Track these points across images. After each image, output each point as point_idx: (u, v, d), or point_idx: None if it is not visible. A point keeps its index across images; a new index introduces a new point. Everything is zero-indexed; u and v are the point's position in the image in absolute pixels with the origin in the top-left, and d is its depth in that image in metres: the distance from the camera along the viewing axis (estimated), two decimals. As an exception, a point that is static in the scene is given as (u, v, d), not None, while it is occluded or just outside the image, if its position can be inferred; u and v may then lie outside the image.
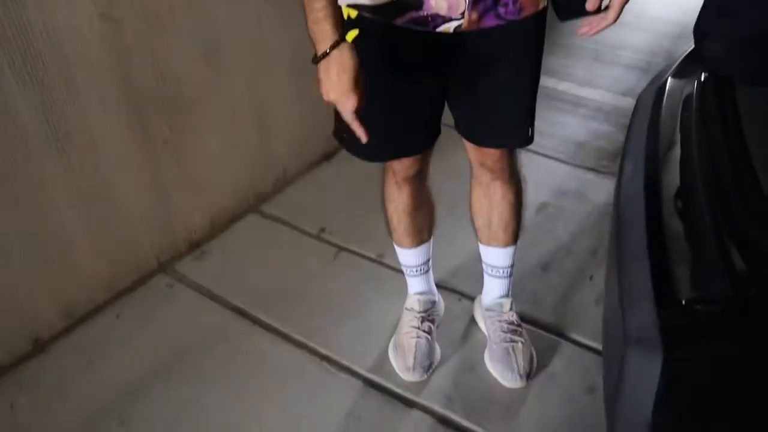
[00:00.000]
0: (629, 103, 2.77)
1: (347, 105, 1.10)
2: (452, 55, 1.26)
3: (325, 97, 1.11)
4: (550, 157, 2.47)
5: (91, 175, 1.73)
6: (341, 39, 1.08)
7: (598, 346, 1.68)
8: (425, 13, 1.16)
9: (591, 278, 1.92)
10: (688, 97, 1.19)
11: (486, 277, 1.69)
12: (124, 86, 1.72)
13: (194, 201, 2.05)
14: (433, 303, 1.72)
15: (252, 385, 1.63)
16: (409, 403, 1.58)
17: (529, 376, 1.60)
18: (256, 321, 1.81)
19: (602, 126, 2.67)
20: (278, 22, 2.07)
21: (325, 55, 1.08)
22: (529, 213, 2.16)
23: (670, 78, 1.33)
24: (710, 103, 1.11)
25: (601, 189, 2.28)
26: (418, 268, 1.67)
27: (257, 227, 2.17)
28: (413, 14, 1.16)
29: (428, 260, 1.69)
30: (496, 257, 1.63)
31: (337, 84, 1.09)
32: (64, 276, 1.76)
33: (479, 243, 1.65)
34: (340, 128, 1.27)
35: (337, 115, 1.20)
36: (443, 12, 1.15)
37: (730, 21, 1.08)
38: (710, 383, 0.71)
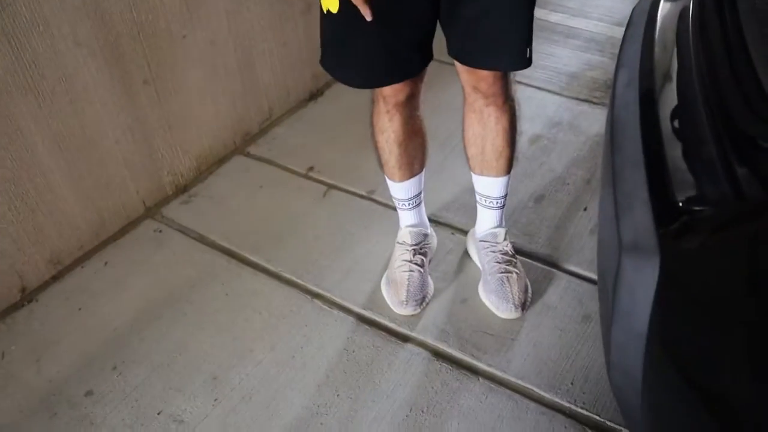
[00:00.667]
0: (622, 32, 2.71)
1: None
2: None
3: None
4: (542, 89, 2.40)
5: (68, 116, 1.67)
6: None
7: (594, 276, 1.66)
8: None
9: (585, 209, 1.88)
10: (686, 5, 1.13)
11: (479, 208, 1.65)
12: (97, 19, 1.65)
13: (179, 144, 1.99)
14: (425, 236, 1.68)
15: (244, 325, 1.61)
16: (403, 338, 1.56)
17: (524, 306, 1.58)
18: (246, 262, 1.78)
19: (595, 57, 2.60)
20: (255, -47, 1.99)
21: None
22: (522, 145, 2.12)
23: (665, -12, 1.27)
24: (708, 8, 1.05)
25: (595, 120, 2.23)
26: (410, 201, 1.63)
27: (244, 168, 2.12)
28: None
29: (420, 193, 1.65)
30: (489, 187, 1.59)
31: None
32: (49, 223, 1.72)
33: (472, 173, 1.60)
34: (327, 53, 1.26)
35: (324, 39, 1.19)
36: None
37: None
38: (708, 286, 0.68)
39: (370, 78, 1.36)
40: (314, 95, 2.40)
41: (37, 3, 1.52)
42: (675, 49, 1.00)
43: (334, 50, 1.31)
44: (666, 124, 0.85)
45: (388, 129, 1.48)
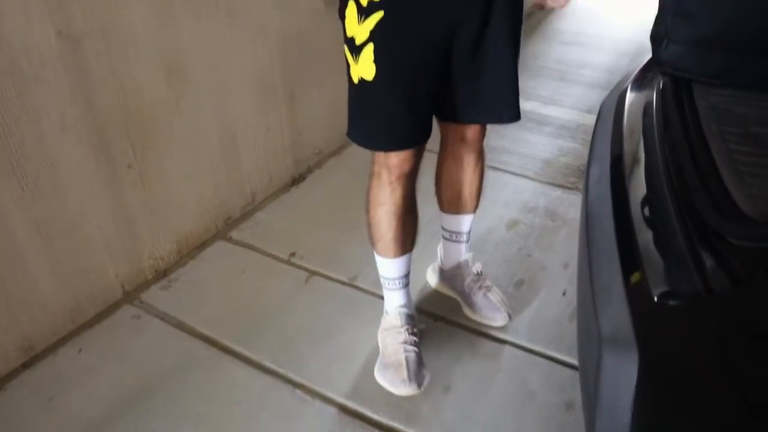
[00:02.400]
0: (592, 119, 2.82)
1: None
2: (466, 13, 1.35)
3: None
4: (518, 175, 2.48)
5: (51, 201, 1.68)
6: None
7: (575, 362, 1.67)
8: None
9: (564, 294, 1.91)
10: (649, 102, 1.20)
11: (448, 245, 1.81)
12: (85, 106, 1.68)
13: (161, 227, 2.00)
14: (413, 318, 1.69)
15: (224, 417, 1.57)
16: (387, 429, 1.53)
17: (509, 313, 1.78)
18: (226, 350, 1.75)
19: (567, 143, 2.70)
20: (241, 43, 2.07)
21: None
22: (499, 230, 2.17)
23: (630, 84, 1.35)
24: (670, 105, 1.12)
25: (569, 205, 2.29)
26: (401, 280, 1.65)
27: (226, 253, 2.13)
28: None
29: (409, 273, 1.67)
30: (463, 224, 1.76)
31: None
32: (23, 308, 1.69)
33: (445, 213, 1.75)
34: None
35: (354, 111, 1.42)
36: None
37: (684, 24, 1.10)
38: (686, 376, 0.70)
39: (399, 141, 1.44)
40: (296, 180, 2.44)
41: (26, 89, 1.56)
42: (642, 144, 1.06)
43: (366, 117, 1.42)
44: (638, 218, 0.88)
45: (389, 201, 1.51)
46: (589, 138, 1.35)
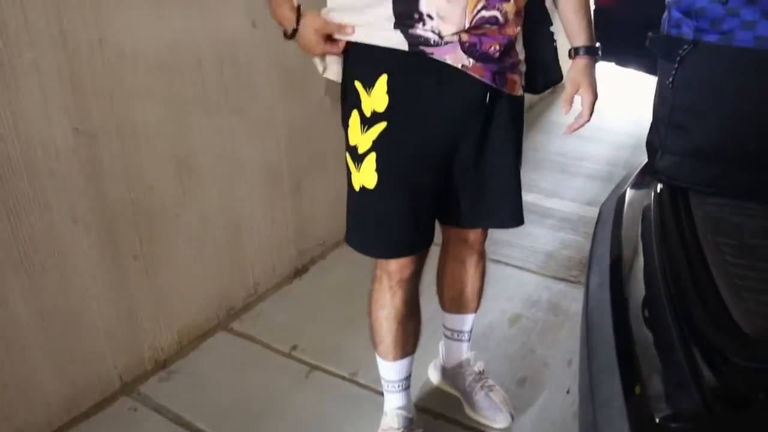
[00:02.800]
0: (593, 212, 2.85)
1: (317, 50, 1.30)
2: (468, 123, 1.36)
3: (307, 50, 1.32)
4: (520, 268, 2.49)
5: (56, 290, 1.69)
6: (300, 15, 1.28)
7: (579, 463, 1.62)
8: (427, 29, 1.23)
9: (568, 392, 1.88)
10: (647, 207, 1.23)
11: (449, 343, 1.80)
12: (96, 199, 1.72)
13: (163, 318, 2.00)
14: (412, 421, 1.66)
15: None
16: None
17: (512, 414, 1.75)
18: (222, 445, 1.72)
19: (569, 236, 2.72)
20: (250, 136, 2.13)
21: (295, 32, 1.29)
22: (502, 325, 2.16)
23: (628, 189, 1.38)
24: (667, 212, 1.15)
25: (573, 299, 2.29)
26: (400, 383, 1.63)
27: (227, 345, 2.11)
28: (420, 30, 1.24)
29: (410, 375, 1.65)
30: (464, 323, 1.76)
31: (303, 38, 1.30)
32: (20, 398, 1.67)
33: (447, 313, 1.75)
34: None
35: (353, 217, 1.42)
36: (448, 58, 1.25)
37: (677, 136, 1.14)
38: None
39: (399, 248, 1.43)
40: (299, 272, 2.46)
41: (41, 182, 1.60)
42: (641, 253, 1.08)
43: (366, 225, 1.42)
44: (637, 332, 0.89)
45: (389, 306, 1.50)
46: (590, 230, 1.38)
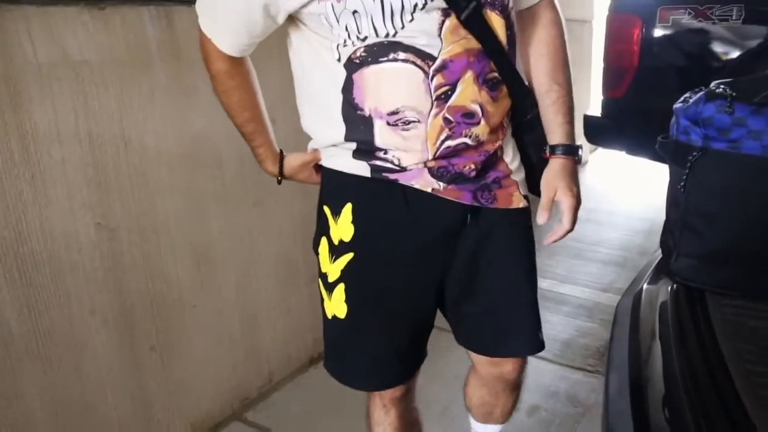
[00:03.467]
0: (609, 298, 2.86)
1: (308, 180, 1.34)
2: (449, 246, 1.25)
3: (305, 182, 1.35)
4: (537, 357, 2.45)
5: (72, 382, 1.68)
6: (282, 161, 1.32)
7: None
8: (388, 156, 1.15)
9: (590, 489, 1.82)
10: (663, 308, 1.23)
11: None
12: (115, 291, 1.75)
13: (177, 409, 1.98)
14: None
15: None
16: None
17: None
18: None
19: (585, 323, 2.70)
20: (267, 230, 2.17)
21: (282, 177, 1.33)
22: (520, 417, 2.11)
23: (644, 287, 1.38)
24: (684, 315, 1.15)
25: (591, 389, 2.24)
26: None
27: (239, 437, 2.08)
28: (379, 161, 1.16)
29: None
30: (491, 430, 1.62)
31: (294, 175, 1.34)
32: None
33: (474, 420, 1.62)
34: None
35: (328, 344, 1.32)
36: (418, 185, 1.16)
37: (691, 239, 1.15)
38: None
39: (378, 381, 1.35)
40: (314, 360, 2.44)
41: (62, 276, 1.63)
42: (660, 360, 1.07)
43: (340, 355, 1.32)
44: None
45: (384, 422, 1.45)
46: (606, 317, 1.35)
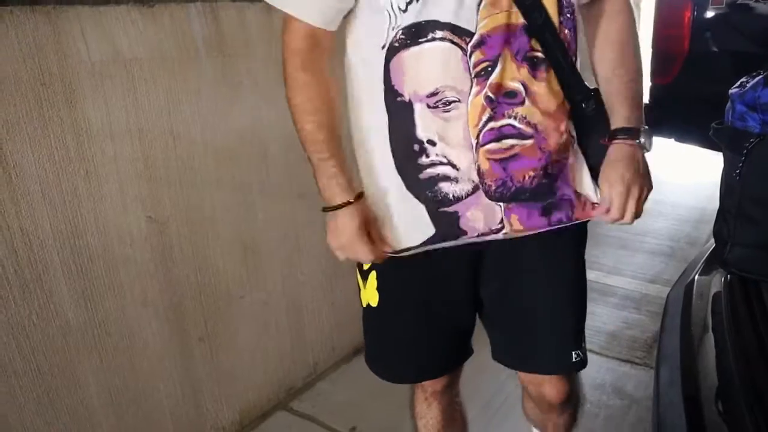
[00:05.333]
0: (657, 289, 2.81)
1: (358, 253, 1.11)
2: (489, 265, 1.21)
3: (333, 245, 1.13)
4: (583, 349, 2.42)
5: (126, 372, 1.74)
6: (353, 199, 1.10)
7: None
8: (463, 242, 1.12)
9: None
10: (716, 300, 1.20)
11: None
12: (165, 283, 1.79)
13: (225, 398, 2.03)
14: None
15: None
16: None
17: None
18: None
19: (632, 315, 2.65)
20: (312, 220, 2.19)
21: (337, 207, 1.10)
22: (566, 409, 2.09)
23: (696, 277, 1.35)
24: (739, 306, 1.12)
25: (639, 381, 2.21)
26: None
27: (287, 426, 2.11)
28: (451, 244, 1.13)
29: None
30: None
31: (343, 234, 1.10)
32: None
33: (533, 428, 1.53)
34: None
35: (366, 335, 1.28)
36: (480, 226, 1.10)
37: (748, 228, 1.12)
38: None
39: (415, 373, 1.34)
40: (358, 350, 2.46)
41: (115, 268, 1.68)
42: (713, 351, 1.05)
43: (378, 346, 1.32)
44: (711, 426, 0.86)
45: (427, 415, 1.45)
46: (654, 309, 1.32)
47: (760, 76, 1.05)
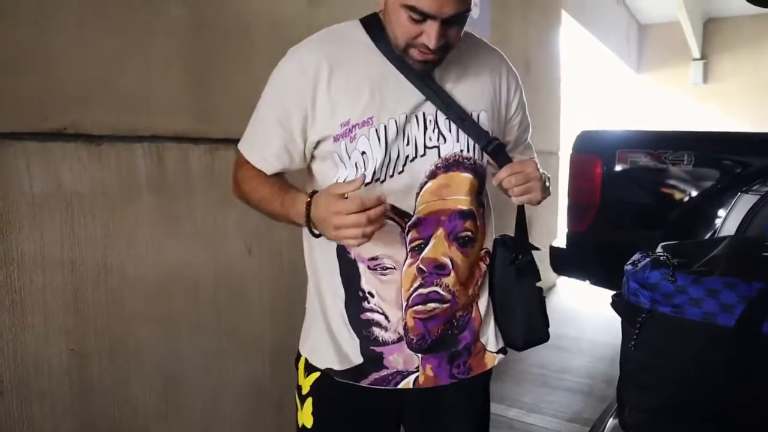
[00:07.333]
0: (576, 429, 2.87)
1: (345, 205, 1.06)
2: (410, 419, 1.35)
3: (331, 225, 1.09)
4: (503, 492, 2.43)
5: None
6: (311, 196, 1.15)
7: None
8: (385, 372, 1.27)
9: None
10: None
11: None
12: (81, 417, 1.73)
13: None
14: None
15: None
16: None
17: None
18: None
19: (552, 457, 2.69)
20: (237, 356, 2.19)
21: (308, 207, 1.14)
22: None
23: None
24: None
25: None
26: None
27: None
28: (375, 375, 1.28)
29: None
30: None
31: (325, 207, 1.09)
32: None
33: None
34: None
35: None
36: (400, 366, 1.27)
37: (643, 395, 1.22)
38: None
39: None
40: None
41: (29, 402, 1.61)
42: None
43: None
44: None
45: None
46: None
47: (648, 259, 1.19)
